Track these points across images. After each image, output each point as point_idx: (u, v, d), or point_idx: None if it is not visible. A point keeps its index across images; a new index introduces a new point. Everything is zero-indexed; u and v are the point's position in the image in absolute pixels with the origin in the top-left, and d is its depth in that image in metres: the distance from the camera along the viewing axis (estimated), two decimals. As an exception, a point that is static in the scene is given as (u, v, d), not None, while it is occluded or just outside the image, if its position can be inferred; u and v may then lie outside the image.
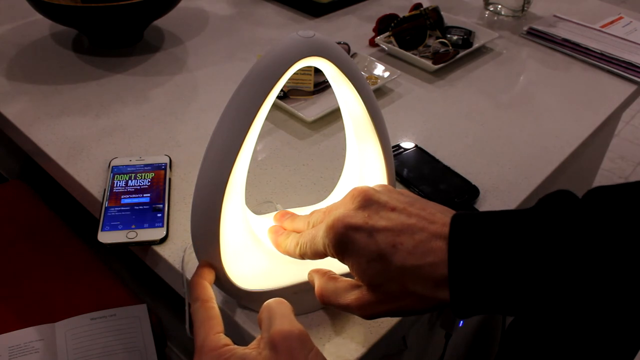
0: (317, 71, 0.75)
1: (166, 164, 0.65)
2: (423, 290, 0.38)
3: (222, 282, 0.46)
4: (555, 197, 0.38)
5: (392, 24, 0.93)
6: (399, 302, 0.39)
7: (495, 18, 1.11)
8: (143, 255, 0.58)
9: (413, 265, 0.38)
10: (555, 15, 1.11)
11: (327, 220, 0.42)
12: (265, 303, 0.42)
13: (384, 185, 0.45)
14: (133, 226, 0.56)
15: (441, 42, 0.94)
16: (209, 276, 0.45)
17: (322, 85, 0.81)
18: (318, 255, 0.43)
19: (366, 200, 0.41)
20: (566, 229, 0.35)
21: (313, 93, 0.80)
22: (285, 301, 0.42)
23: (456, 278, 0.36)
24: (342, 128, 0.52)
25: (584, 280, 0.34)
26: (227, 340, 0.41)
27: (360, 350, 0.49)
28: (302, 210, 0.52)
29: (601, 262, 0.34)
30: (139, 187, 0.61)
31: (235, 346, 0.41)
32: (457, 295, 0.37)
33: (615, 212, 0.35)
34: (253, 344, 0.41)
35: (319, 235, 0.42)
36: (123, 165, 0.64)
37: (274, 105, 0.77)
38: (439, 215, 0.39)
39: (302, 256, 0.45)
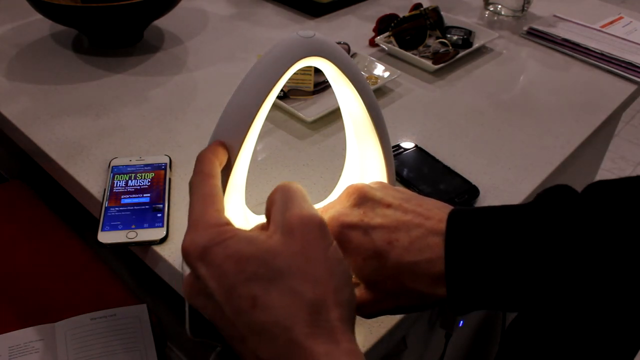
0: (317, 71, 0.75)
1: (166, 164, 0.65)
2: (420, 287, 0.38)
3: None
4: (554, 192, 0.38)
5: (392, 24, 0.93)
6: (396, 300, 0.39)
7: (495, 18, 1.11)
8: (143, 255, 0.58)
9: (409, 262, 0.37)
10: (555, 15, 1.11)
11: None
12: (279, 185, 0.37)
13: (380, 182, 0.44)
14: (133, 226, 0.56)
15: (441, 42, 0.94)
16: (220, 155, 0.40)
17: (322, 85, 0.81)
18: None
19: (361, 197, 0.41)
20: (565, 224, 0.35)
21: (313, 93, 0.80)
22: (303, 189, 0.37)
23: (453, 274, 0.36)
24: (342, 128, 0.52)
25: (583, 275, 0.34)
26: (229, 220, 0.36)
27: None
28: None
29: (600, 257, 0.34)
30: (139, 187, 0.61)
31: (239, 227, 0.35)
32: (454, 291, 0.36)
33: (615, 206, 0.35)
34: (257, 227, 0.37)
35: None
36: (123, 165, 0.64)
37: (274, 105, 0.77)
38: (436, 211, 0.39)
39: None
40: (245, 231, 0.34)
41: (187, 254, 0.34)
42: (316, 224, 0.34)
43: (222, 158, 0.40)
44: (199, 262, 0.33)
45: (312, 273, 0.32)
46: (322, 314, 0.32)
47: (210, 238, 0.33)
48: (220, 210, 0.36)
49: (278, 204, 0.35)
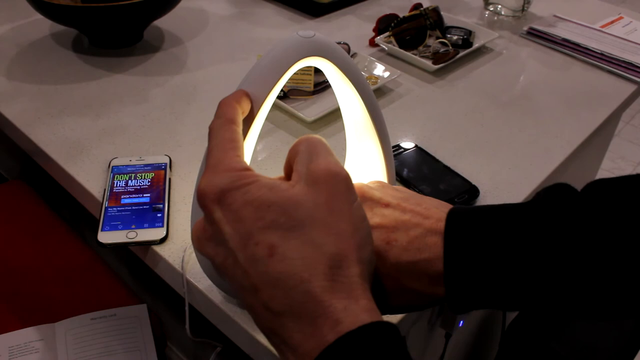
0: (317, 71, 0.75)
1: (166, 164, 0.65)
2: (419, 286, 0.37)
3: (222, 281, 0.46)
4: (554, 190, 0.38)
5: (392, 24, 0.93)
6: (396, 299, 0.39)
7: (495, 18, 1.11)
8: (143, 255, 0.58)
9: (408, 261, 0.37)
10: (555, 15, 1.11)
11: None
12: (302, 137, 0.36)
13: (379, 182, 0.44)
14: (133, 226, 0.56)
15: (441, 42, 0.94)
16: (244, 104, 0.38)
17: (322, 85, 0.81)
18: None
19: (360, 197, 0.41)
20: (565, 222, 0.35)
21: (313, 93, 0.80)
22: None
23: (452, 274, 0.36)
24: (342, 128, 0.52)
25: (582, 274, 0.34)
26: (249, 166, 0.34)
27: (360, 350, 0.49)
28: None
29: (600, 255, 0.34)
30: (139, 187, 0.61)
31: (260, 174, 0.33)
32: (454, 290, 0.36)
33: (614, 204, 0.35)
34: (276, 177, 0.35)
35: None
36: (123, 165, 0.64)
37: (274, 105, 0.77)
38: (434, 210, 0.39)
39: None
40: (267, 178, 0.33)
41: (203, 195, 0.32)
42: (342, 178, 0.33)
43: (245, 107, 0.38)
44: (215, 205, 0.32)
45: (335, 226, 0.31)
46: (343, 268, 0.31)
47: (230, 181, 0.32)
48: (241, 156, 0.35)
49: (302, 155, 0.34)
